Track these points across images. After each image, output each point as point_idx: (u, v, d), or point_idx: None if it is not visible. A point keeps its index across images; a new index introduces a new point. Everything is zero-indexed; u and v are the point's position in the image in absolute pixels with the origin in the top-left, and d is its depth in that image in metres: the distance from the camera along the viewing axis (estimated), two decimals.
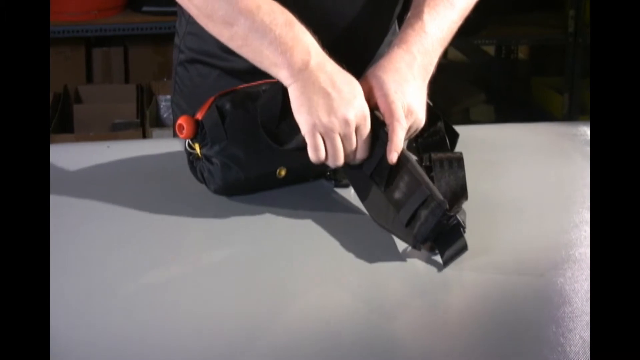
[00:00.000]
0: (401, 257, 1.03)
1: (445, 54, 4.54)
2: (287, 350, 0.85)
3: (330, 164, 1.11)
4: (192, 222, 1.11)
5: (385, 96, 1.12)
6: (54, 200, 1.11)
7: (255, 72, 1.30)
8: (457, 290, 0.96)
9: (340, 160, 1.10)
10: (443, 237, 1.03)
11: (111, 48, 3.24)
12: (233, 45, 1.16)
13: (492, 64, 3.98)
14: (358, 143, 1.10)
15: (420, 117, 1.15)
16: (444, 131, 1.27)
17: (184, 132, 1.14)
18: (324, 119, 1.08)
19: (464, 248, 1.02)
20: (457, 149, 1.30)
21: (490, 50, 3.99)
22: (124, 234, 1.08)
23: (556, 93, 3.48)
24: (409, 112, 1.13)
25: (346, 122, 1.09)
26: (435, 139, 1.27)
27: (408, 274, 1.00)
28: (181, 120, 1.14)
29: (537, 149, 1.37)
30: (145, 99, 3.12)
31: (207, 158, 1.14)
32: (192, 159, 1.17)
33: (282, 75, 1.11)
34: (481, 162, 1.28)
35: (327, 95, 1.09)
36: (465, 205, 1.13)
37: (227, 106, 1.14)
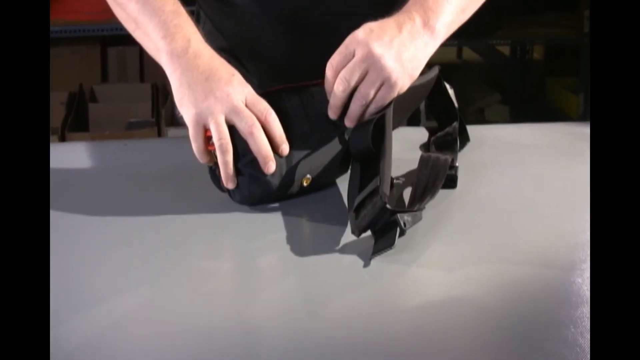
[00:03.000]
0: (425, 254, 1.02)
1: (460, 54, 4.57)
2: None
3: (219, 155, 1.07)
4: (206, 224, 1.10)
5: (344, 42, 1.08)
6: (68, 198, 1.12)
7: (271, 73, 1.32)
8: (475, 289, 0.96)
9: (228, 147, 1.06)
10: (380, 231, 1.02)
11: (126, 47, 3.25)
12: (129, 28, 1.19)
13: (507, 65, 3.98)
14: (268, 121, 1.08)
15: (385, 64, 1.07)
16: (457, 133, 1.28)
17: (214, 144, 1.09)
18: (203, 103, 1.07)
19: (389, 245, 0.99)
20: (472, 148, 1.31)
21: (506, 50, 3.99)
22: (136, 234, 1.07)
23: (571, 93, 3.47)
24: (365, 57, 1.07)
25: (228, 101, 1.06)
26: (447, 139, 1.27)
27: (426, 271, 1.00)
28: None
29: (553, 149, 1.36)
30: (161, 98, 3.13)
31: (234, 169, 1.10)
32: (214, 169, 1.12)
33: (163, 60, 1.11)
34: (496, 162, 1.28)
35: (205, 80, 1.08)
36: (480, 206, 1.14)
37: None
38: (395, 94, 1.10)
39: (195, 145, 1.09)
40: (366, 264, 0.99)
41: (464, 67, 3.96)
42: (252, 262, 1.03)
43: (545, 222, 1.11)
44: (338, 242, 1.04)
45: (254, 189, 1.10)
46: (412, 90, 1.21)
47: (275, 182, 1.10)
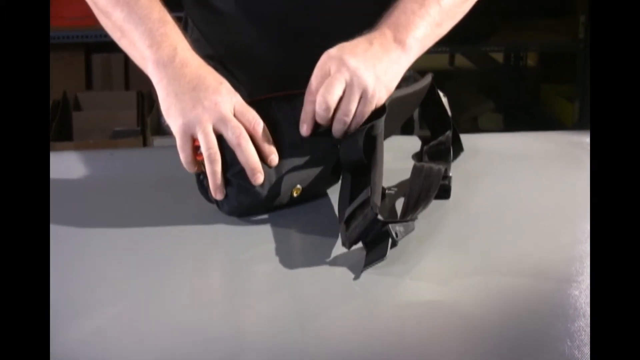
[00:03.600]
0: (417, 266, 1.03)
1: (452, 61, 4.58)
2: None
3: (207, 165, 1.07)
4: (194, 235, 1.10)
5: (320, 62, 1.10)
6: (53, 211, 1.11)
7: (260, 81, 1.32)
8: (469, 302, 0.96)
9: (216, 157, 1.06)
10: (371, 242, 1.02)
11: (111, 54, 3.25)
12: (115, 37, 1.18)
13: (501, 71, 3.99)
14: (256, 131, 1.08)
15: (362, 77, 1.08)
16: (451, 142, 1.28)
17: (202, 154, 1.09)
18: (190, 113, 1.07)
19: (381, 257, 1.00)
20: (466, 157, 1.31)
21: (499, 57, 4.00)
22: (124, 246, 1.07)
23: (567, 101, 3.48)
24: (341, 71, 1.08)
25: (216, 110, 1.07)
26: (440, 148, 1.28)
27: (419, 284, 1.01)
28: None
29: (548, 159, 1.36)
30: (146, 106, 3.13)
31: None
32: (202, 179, 1.12)
33: (150, 69, 1.12)
34: (490, 171, 1.28)
35: (192, 89, 1.08)
36: (474, 216, 1.14)
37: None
38: (372, 107, 1.11)
39: (183, 155, 1.09)
40: (357, 276, 0.99)
41: (456, 75, 3.97)
42: (240, 274, 1.03)
43: (541, 233, 1.11)
44: (329, 254, 1.04)
45: (242, 199, 1.10)
46: (404, 98, 1.21)
47: (265, 192, 1.10)
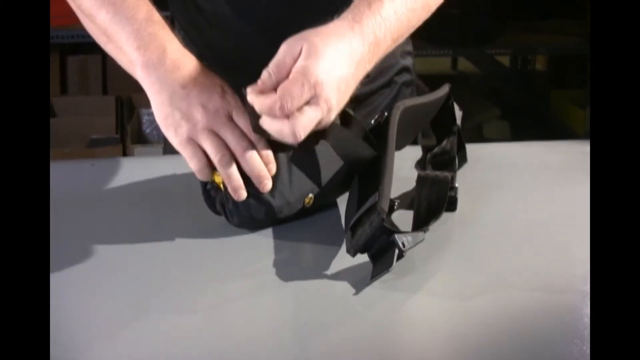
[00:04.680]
0: (424, 283, 1.04)
1: (455, 65, 4.57)
2: None
3: (221, 170, 1.07)
4: (190, 248, 1.11)
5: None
6: None
7: (250, 82, 1.33)
8: (477, 321, 0.96)
9: (228, 159, 1.07)
10: (377, 254, 1.03)
11: (88, 56, 3.25)
12: (100, 42, 1.18)
13: (507, 76, 4.00)
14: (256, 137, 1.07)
15: (317, 81, 1.02)
16: (455, 151, 1.30)
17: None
18: (189, 121, 1.07)
19: (387, 268, 1.00)
20: (470, 168, 1.32)
21: (505, 60, 4.01)
22: (115, 264, 1.08)
23: (577, 107, 3.48)
24: (301, 78, 1.02)
25: (215, 116, 1.07)
26: (445, 158, 1.29)
27: (425, 301, 1.01)
28: None
29: (558, 170, 1.37)
30: (126, 112, 3.13)
31: None
32: (209, 189, 1.13)
33: (138, 74, 1.10)
34: (497, 183, 1.29)
35: (187, 95, 1.08)
36: (482, 231, 1.15)
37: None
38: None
39: (195, 164, 1.08)
40: (359, 291, 1.00)
41: (459, 79, 3.97)
42: (240, 288, 1.03)
43: (552, 249, 1.12)
44: (334, 268, 1.06)
45: (255, 210, 1.11)
46: (420, 107, 1.22)
47: (277, 202, 1.11)
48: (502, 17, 3.40)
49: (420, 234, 1.05)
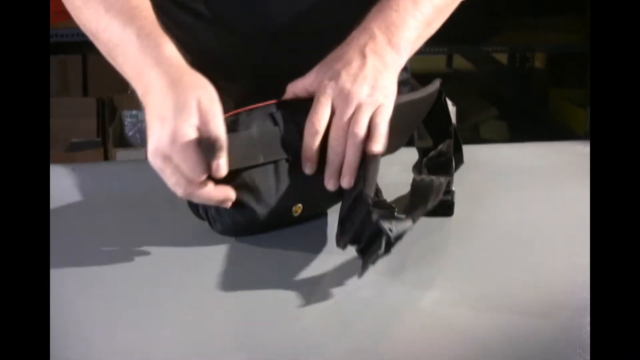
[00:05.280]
0: (418, 293, 1.04)
1: (450, 63, 4.57)
2: None
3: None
4: (175, 256, 1.11)
5: (316, 84, 1.12)
6: None
7: (246, 88, 1.34)
8: (472, 335, 0.96)
9: (181, 188, 1.05)
10: (366, 246, 1.03)
11: (68, 55, 3.25)
12: (109, 58, 1.15)
13: (505, 75, 4.01)
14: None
15: (354, 96, 1.10)
16: (452, 152, 1.30)
17: None
18: (159, 138, 1.04)
19: (377, 255, 1.01)
20: (466, 170, 1.30)
21: (503, 58, 4.02)
22: (98, 272, 1.08)
23: (577, 107, 3.49)
24: (341, 94, 1.10)
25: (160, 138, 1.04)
26: (441, 160, 1.29)
27: (416, 304, 1.02)
28: None
29: (558, 171, 1.37)
30: (107, 114, 3.12)
31: None
32: None
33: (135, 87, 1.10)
34: (493, 187, 1.29)
35: (162, 116, 1.04)
36: (481, 237, 1.15)
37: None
38: (383, 116, 1.12)
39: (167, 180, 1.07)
40: (351, 297, 1.01)
41: (455, 78, 3.98)
42: (227, 301, 1.03)
43: (551, 255, 1.12)
44: (323, 275, 1.06)
45: (237, 218, 1.11)
46: (412, 103, 1.22)
47: (262, 211, 1.11)
48: (499, 13, 3.40)
49: (408, 222, 1.04)
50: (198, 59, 1.37)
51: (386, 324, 0.99)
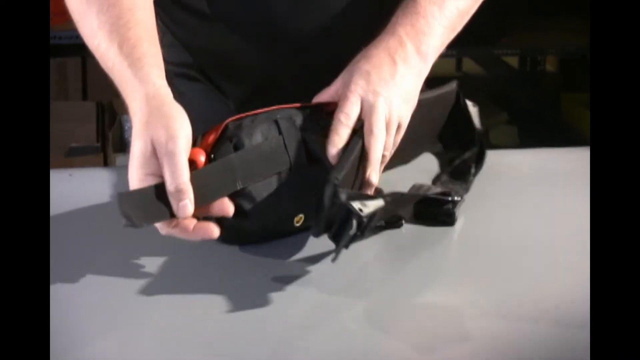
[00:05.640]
0: (416, 306, 1.04)
1: (460, 66, 4.56)
2: None
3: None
4: (173, 264, 1.11)
5: (344, 88, 1.11)
6: None
7: (244, 89, 1.34)
8: (472, 350, 0.97)
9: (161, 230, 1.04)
10: (338, 229, 1.04)
11: (67, 58, 3.25)
12: (106, 69, 1.13)
13: (515, 78, 4.01)
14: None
15: (395, 107, 1.12)
16: (474, 161, 1.29)
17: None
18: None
19: (348, 235, 1.02)
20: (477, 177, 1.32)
21: (513, 61, 4.02)
22: (93, 280, 1.08)
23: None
24: (367, 106, 1.11)
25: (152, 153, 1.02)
26: (461, 167, 1.29)
27: (415, 314, 1.02)
28: (191, 155, 1.06)
29: (570, 179, 1.36)
30: (107, 119, 3.13)
31: None
32: None
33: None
34: (502, 194, 1.29)
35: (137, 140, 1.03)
36: (484, 248, 1.15)
37: (244, 141, 1.09)
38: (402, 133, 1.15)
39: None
40: (352, 305, 1.01)
41: (464, 81, 3.96)
42: (226, 309, 1.04)
43: (563, 267, 1.11)
44: (321, 283, 1.07)
45: (240, 225, 1.11)
46: (421, 106, 1.21)
47: (264, 222, 1.12)
48: (510, 14, 3.40)
49: (379, 200, 1.05)
50: (199, 58, 1.37)
51: (387, 331, 0.99)
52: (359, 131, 1.10)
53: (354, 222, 1.02)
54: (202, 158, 1.06)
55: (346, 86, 1.12)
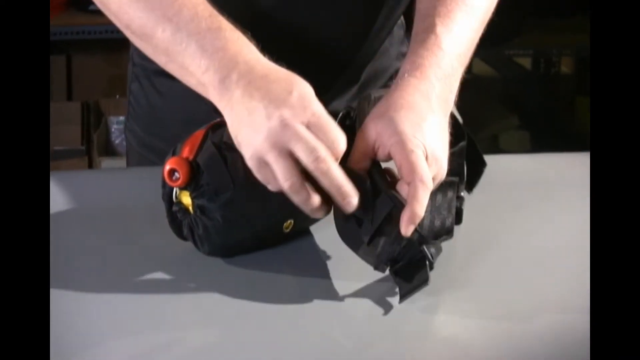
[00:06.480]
0: (418, 310, 1.05)
1: (469, 68, 4.58)
2: None
3: (295, 200, 1.05)
4: (159, 275, 1.11)
5: (401, 143, 1.06)
6: None
7: None
8: (476, 345, 0.99)
9: (297, 187, 1.04)
10: (406, 266, 1.05)
11: (50, 57, 3.26)
12: (160, 62, 1.15)
13: (528, 80, 4.01)
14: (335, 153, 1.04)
15: (444, 166, 1.10)
16: (464, 157, 1.28)
17: (179, 179, 1.08)
18: (250, 146, 1.04)
19: (425, 281, 1.03)
20: (483, 183, 1.31)
21: (526, 62, 4.03)
22: (79, 288, 1.08)
23: None
24: (432, 160, 1.08)
25: (283, 125, 1.02)
26: (452, 164, 1.29)
27: (418, 320, 1.03)
28: (173, 164, 1.08)
29: (584, 186, 1.36)
30: (93, 120, 3.13)
31: (204, 212, 1.09)
32: (175, 212, 1.12)
33: (212, 97, 1.08)
34: (514, 201, 1.30)
35: (250, 115, 1.04)
36: (490, 256, 1.16)
37: (228, 143, 1.09)
38: None
39: (274, 186, 1.06)
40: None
41: (474, 84, 3.99)
42: (218, 330, 1.04)
43: (577, 278, 1.11)
44: (315, 297, 1.07)
45: (229, 235, 1.11)
46: None
47: (254, 229, 1.12)
48: (523, 14, 3.41)
49: (439, 244, 1.08)
50: None
51: (387, 334, 1.01)
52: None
53: (428, 267, 1.04)
54: (184, 168, 1.08)
55: (403, 143, 1.07)
